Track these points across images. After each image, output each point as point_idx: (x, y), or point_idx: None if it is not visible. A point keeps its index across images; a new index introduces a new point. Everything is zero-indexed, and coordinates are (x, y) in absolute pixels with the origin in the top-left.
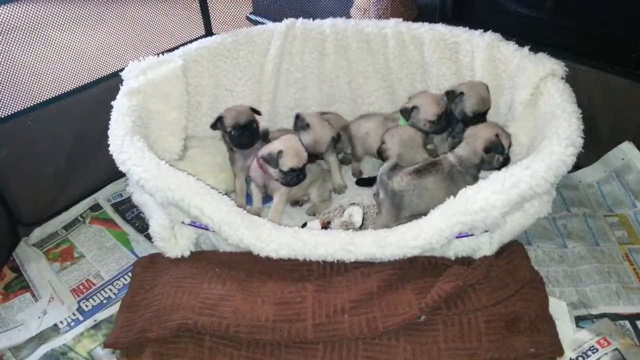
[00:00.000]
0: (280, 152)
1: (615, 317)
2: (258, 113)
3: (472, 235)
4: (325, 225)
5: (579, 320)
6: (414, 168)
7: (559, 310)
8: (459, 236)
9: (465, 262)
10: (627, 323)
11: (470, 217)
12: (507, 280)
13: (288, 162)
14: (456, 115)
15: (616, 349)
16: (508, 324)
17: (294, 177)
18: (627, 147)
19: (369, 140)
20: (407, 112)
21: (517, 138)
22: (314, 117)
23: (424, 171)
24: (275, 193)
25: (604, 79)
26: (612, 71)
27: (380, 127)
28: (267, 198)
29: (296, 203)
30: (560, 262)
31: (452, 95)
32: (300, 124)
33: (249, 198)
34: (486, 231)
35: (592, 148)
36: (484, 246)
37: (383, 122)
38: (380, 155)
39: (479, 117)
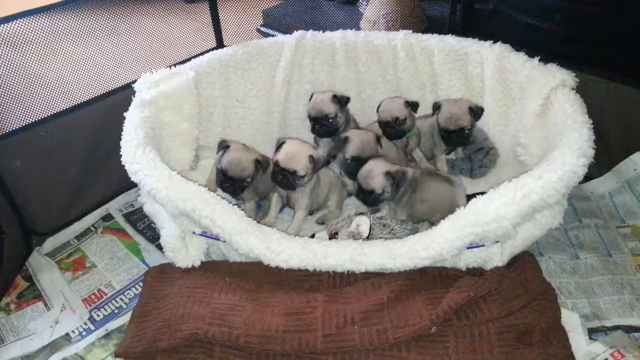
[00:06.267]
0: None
1: (629, 329)
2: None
3: (483, 245)
4: (333, 235)
5: (592, 333)
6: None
7: (572, 322)
8: (470, 247)
9: (476, 272)
10: None
11: (481, 228)
12: (518, 291)
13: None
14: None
15: None
16: (520, 335)
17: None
18: (639, 158)
19: None
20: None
21: (528, 148)
22: (352, 131)
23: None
24: (297, 205)
25: (614, 90)
26: (622, 81)
27: None
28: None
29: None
30: (573, 274)
31: (434, 106)
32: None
33: (258, 206)
34: (497, 242)
35: (604, 159)
36: (495, 257)
37: None
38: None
39: (452, 134)
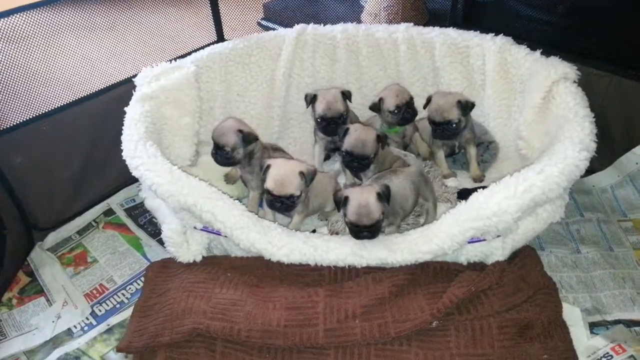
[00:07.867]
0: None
1: (630, 323)
2: (251, 137)
3: (484, 240)
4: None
5: (593, 327)
6: None
7: (573, 316)
8: (471, 241)
9: (478, 267)
10: None
11: (482, 223)
12: (519, 285)
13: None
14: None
15: (631, 356)
16: (521, 330)
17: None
18: None
19: None
20: (376, 106)
21: (529, 142)
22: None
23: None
24: (293, 211)
25: (617, 83)
26: (625, 75)
27: None
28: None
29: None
30: (574, 268)
31: (427, 99)
32: (309, 98)
33: (262, 202)
34: (498, 236)
35: (606, 152)
36: (496, 251)
37: None
38: None
39: (439, 127)
